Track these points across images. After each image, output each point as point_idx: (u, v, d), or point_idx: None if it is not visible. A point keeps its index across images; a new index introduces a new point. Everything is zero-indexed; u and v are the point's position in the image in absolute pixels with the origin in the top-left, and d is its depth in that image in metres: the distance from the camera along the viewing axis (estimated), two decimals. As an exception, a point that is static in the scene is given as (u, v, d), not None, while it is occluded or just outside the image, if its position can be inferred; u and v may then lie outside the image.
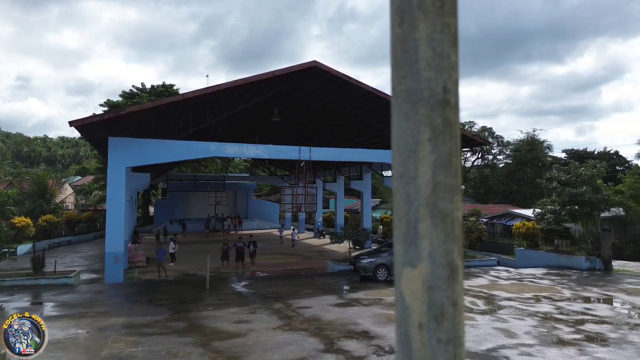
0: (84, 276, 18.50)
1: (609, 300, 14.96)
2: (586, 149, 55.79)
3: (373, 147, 24.86)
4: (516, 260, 22.93)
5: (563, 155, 55.51)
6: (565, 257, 21.59)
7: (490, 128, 65.53)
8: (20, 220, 26.57)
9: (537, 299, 14.69)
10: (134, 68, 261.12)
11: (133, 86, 40.81)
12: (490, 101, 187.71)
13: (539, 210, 24.81)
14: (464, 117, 79.65)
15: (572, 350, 9.70)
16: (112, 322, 11.69)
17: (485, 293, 15.60)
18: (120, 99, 39.85)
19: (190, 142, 19.42)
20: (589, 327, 11.51)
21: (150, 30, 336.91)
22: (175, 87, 42.70)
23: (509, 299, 14.69)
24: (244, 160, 52.44)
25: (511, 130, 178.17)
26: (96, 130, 17.95)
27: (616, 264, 21.28)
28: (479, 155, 62.28)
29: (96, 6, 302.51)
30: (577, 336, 10.69)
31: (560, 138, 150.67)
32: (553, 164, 39.02)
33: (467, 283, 17.03)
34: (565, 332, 11.03)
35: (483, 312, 12.96)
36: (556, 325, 11.57)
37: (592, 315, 12.75)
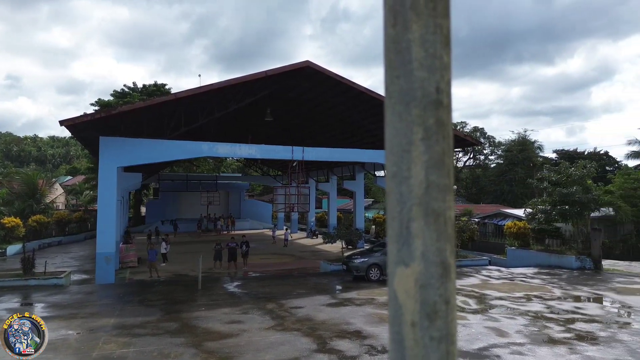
0: (75, 277, 18.35)
1: (598, 299, 15.10)
2: (576, 149, 56.35)
3: (366, 147, 24.88)
4: (507, 260, 23.08)
5: (554, 155, 55.96)
6: (555, 257, 21.76)
7: (482, 128, 65.81)
8: (9, 220, 26.29)
9: (528, 298, 14.80)
10: (125, 67, 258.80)
11: (124, 85, 40.83)
12: (482, 102, 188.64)
13: (530, 210, 25.03)
14: (456, 117, 79.97)
15: (563, 349, 9.78)
16: (103, 323, 11.61)
17: (477, 292, 15.69)
18: (111, 98, 39.70)
19: (183, 141, 19.33)
20: (580, 325, 11.62)
21: (142, 29, 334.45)
22: (167, 87, 42.69)
23: (501, 298, 14.79)
24: (237, 160, 52.30)
25: (502, 130, 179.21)
26: (87, 129, 17.83)
27: (606, 263, 21.51)
28: (471, 156, 62.64)
29: (87, 5, 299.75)
30: (568, 335, 10.79)
31: (551, 138, 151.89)
32: (544, 164, 39.44)
33: (459, 282, 17.12)
34: (555, 331, 11.12)
35: (475, 312, 13.03)
36: (547, 324, 11.67)
37: (582, 314, 12.88)
